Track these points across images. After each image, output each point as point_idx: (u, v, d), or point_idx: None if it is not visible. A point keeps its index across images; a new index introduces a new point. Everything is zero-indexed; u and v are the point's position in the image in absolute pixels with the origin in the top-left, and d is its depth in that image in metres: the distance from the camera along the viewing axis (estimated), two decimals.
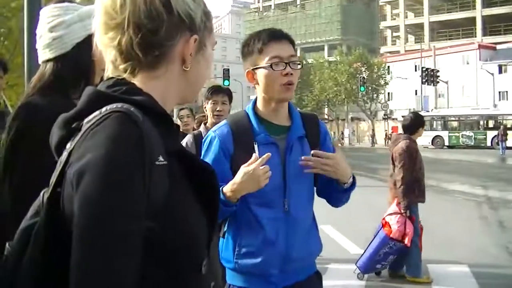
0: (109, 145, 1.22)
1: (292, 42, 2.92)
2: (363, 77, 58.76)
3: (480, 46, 69.95)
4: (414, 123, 7.63)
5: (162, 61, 1.45)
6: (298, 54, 60.98)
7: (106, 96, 1.37)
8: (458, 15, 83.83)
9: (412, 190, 7.28)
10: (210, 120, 5.13)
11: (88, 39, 2.27)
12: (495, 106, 56.64)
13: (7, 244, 1.40)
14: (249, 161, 2.63)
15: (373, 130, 63.03)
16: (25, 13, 4.76)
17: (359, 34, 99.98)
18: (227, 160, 2.81)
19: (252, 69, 2.86)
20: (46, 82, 2.37)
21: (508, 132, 41.58)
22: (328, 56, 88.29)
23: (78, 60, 2.35)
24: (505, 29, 77.85)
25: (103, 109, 1.31)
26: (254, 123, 2.85)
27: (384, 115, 63.23)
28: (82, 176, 1.21)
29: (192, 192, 1.43)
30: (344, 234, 10.08)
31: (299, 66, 2.85)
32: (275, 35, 2.86)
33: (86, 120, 1.33)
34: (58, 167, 1.33)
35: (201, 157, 2.81)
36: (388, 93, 71.94)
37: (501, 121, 48.24)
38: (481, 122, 48.22)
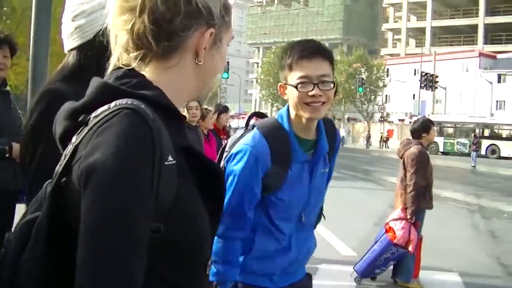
0: (119, 144, 1.18)
1: (329, 58, 2.71)
2: (362, 78, 59.01)
3: (481, 54, 70.33)
4: (424, 126, 7.56)
5: (175, 52, 1.40)
6: None
7: (114, 89, 1.33)
8: (460, 22, 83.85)
9: (423, 196, 7.23)
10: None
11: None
12: (492, 115, 56.85)
13: (6, 235, 1.39)
14: None
15: (368, 131, 63.08)
16: None
17: (361, 35, 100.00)
18: (260, 175, 2.68)
19: (284, 84, 2.76)
20: (69, 70, 2.37)
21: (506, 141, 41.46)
22: None
23: (100, 47, 2.25)
24: (507, 38, 77.84)
25: (112, 104, 1.27)
26: (292, 139, 2.73)
27: (381, 117, 63.33)
28: (90, 174, 1.17)
29: (198, 192, 1.40)
30: (336, 235, 10.07)
31: (331, 86, 2.67)
32: (306, 53, 2.67)
33: (93, 114, 1.29)
34: (63, 161, 1.30)
35: (232, 167, 2.68)
36: (386, 95, 72.11)
37: (497, 130, 48.45)
38: (477, 130, 48.23)
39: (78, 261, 1.14)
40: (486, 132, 49.00)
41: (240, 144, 2.71)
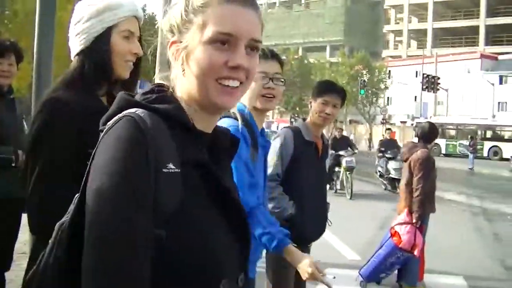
0: (112, 147, 1.28)
1: (281, 63, 3.33)
2: (364, 80, 58.74)
3: (482, 56, 70.29)
4: (431, 132, 7.62)
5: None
6: (300, 54, 60.16)
7: (130, 102, 1.41)
8: (461, 23, 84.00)
9: (428, 200, 7.24)
10: (310, 119, 4.42)
11: (107, 32, 2.44)
12: (493, 116, 56.64)
13: (50, 242, 1.46)
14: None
15: (370, 134, 62.92)
16: None
17: (362, 37, 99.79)
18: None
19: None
20: (71, 76, 2.44)
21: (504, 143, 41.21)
22: (329, 57, 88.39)
23: (96, 53, 2.42)
24: (508, 39, 77.90)
25: (120, 114, 1.36)
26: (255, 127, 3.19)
27: (383, 119, 63.08)
28: (93, 173, 1.29)
29: (216, 210, 1.42)
30: (341, 239, 10.05)
31: (282, 84, 3.29)
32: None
33: (108, 124, 1.39)
34: (88, 169, 1.36)
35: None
36: (388, 97, 72.14)
37: (499, 131, 48.30)
38: (479, 132, 48.06)
39: (84, 254, 1.25)
40: (488, 134, 48.82)
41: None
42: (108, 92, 2.56)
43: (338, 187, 18.29)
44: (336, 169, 18.36)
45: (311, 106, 4.39)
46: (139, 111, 1.34)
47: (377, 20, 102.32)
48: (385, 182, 19.48)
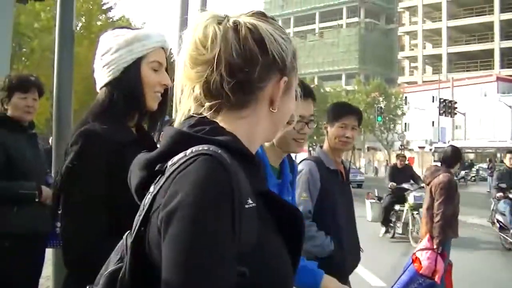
0: (198, 190, 1.18)
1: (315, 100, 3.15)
2: (381, 107, 58.53)
3: (498, 79, 69.81)
4: (454, 156, 7.57)
5: (251, 102, 1.42)
6: (316, 83, 59.96)
7: (190, 136, 1.34)
8: (476, 47, 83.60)
9: (449, 225, 7.18)
10: (328, 145, 4.23)
11: (136, 63, 2.41)
12: None
13: (87, 287, 1.42)
14: None
15: (387, 160, 62.69)
16: (56, 32, 4.74)
17: (377, 64, 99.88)
18: None
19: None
20: (100, 108, 2.40)
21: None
22: (345, 85, 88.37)
23: (127, 84, 2.39)
24: None
25: (188, 151, 1.27)
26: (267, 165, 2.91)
27: (401, 145, 62.78)
28: (170, 222, 1.19)
29: (280, 235, 1.40)
30: (364, 265, 9.74)
31: (314, 125, 3.11)
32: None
33: (170, 162, 1.30)
34: (142, 211, 1.30)
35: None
36: (405, 123, 71.65)
37: None
38: (498, 155, 47.73)
39: None
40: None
41: None
42: (136, 123, 2.53)
43: (400, 231, 14.46)
44: (397, 207, 14.54)
45: (327, 132, 4.22)
46: (212, 147, 1.26)
47: (392, 47, 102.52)
48: None
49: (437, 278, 6.79)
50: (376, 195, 15.57)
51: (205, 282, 1.13)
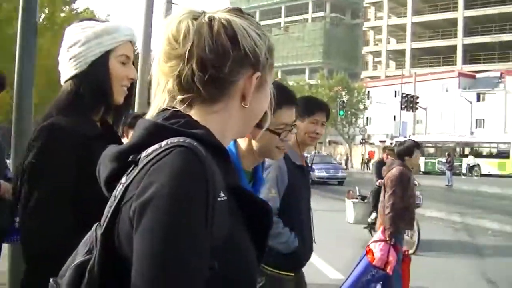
0: (174, 182, 1.17)
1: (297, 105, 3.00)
2: (343, 101, 59.75)
3: (460, 74, 71.39)
4: (406, 150, 7.65)
5: (223, 96, 1.42)
6: (279, 77, 61.45)
7: (165, 128, 1.32)
8: (439, 43, 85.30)
9: (401, 217, 7.26)
10: (295, 140, 4.04)
11: (104, 56, 2.40)
12: (472, 133, 57.43)
13: (51, 281, 1.39)
14: None
15: (347, 154, 63.23)
16: (19, 23, 4.75)
17: (341, 58, 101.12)
18: None
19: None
20: (65, 101, 2.37)
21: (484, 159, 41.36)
22: (309, 79, 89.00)
23: (94, 77, 2.37)
24: (485, 58, 79.25)
25: (164, 142, 1.26)
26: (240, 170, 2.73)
27: (362, 139, 63.60)
28: (144, 212, 1.16)
29: (248, 230, 1.39)
30: (323, 259, 9.92)
31: (295, 131, 3.03)
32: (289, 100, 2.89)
33: (144, 153, 1.28)
34: (113, 202, 1.28)
35: None
36: (367, 117, 72.98)
37: (477, 148, 48.69)
38: (458, 149, 48.55)
39: None
40: (467, 151, 49.92)
41: None
42: (101, 117, 2.52)
43: None
44: None
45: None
46: (187, 140, 1.24)
47: (356, 42, 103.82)
48: None
49: (389, 270, 6.89)
50: (359, 194, 14.42)
51: (180, 274, 1.13)
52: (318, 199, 14.47)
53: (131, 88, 2.56)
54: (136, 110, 11.85)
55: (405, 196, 7.34)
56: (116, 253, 1.24)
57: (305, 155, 4.58)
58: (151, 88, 1.49)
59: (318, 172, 33.43)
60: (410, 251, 10.17)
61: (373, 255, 6.93)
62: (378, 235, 7.17)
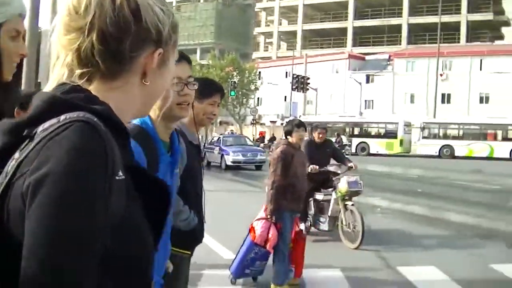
0: (71, 157, 1.13)
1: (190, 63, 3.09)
2: (234, 82, 59.74)
3: (350, 56, 72.95)
4: (290, 127, 7.70)
5: (123, 72, 1.36)
6: None
7: (64, 102, 1.25)
8: (330, 25, 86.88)
9: (283, 196, 7.27)
10: (192, 119, 3.97)
11: None
12: (361, 114, 58.83)
13: None
14: None
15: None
16: None
17: (233, 39, 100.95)
18: None
19: None
20: None
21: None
22: (200, 60, 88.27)
23: None
24: (374, 40, 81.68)
25: (62, 117, 1.20)
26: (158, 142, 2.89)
27: (253, 119, 63.53)
28: (39, 188, 1.11)
29: (144, 210, 1.35)
30: (217, 240, 9.96)
31: (195, 86, 3.04)
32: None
33: (41, 128, 1.21)
34: (4, 178, 1.19)
35: None
36: (258, 98, 73.15)
37: (366, 128, 49.54)
38: (347, 129, 49.31)
39: (25, 276, 1.09)
40: (356, 131, 50.94)
41: None
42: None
43: (325, 227, 10.69)
44: (319, 196, 10.77)
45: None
46: (87, 115, 1.18)
47: (248, 23, 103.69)
48: None
49: (268, 247, 7.15)
50: None
51: (73, 250, 1.10)
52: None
53: (20, 65, 2.38)
54: (23, 87, 11.14)
55: (287, 175, 7.36)
56: (5, 231, 1.15)
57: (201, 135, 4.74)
58: (50, 62, 1.37)
59: (234, 155, 29.88)
60: (353, 246, 9.61)
61: (255, 232, 7.21)
62: (261, 213, 7.37)
